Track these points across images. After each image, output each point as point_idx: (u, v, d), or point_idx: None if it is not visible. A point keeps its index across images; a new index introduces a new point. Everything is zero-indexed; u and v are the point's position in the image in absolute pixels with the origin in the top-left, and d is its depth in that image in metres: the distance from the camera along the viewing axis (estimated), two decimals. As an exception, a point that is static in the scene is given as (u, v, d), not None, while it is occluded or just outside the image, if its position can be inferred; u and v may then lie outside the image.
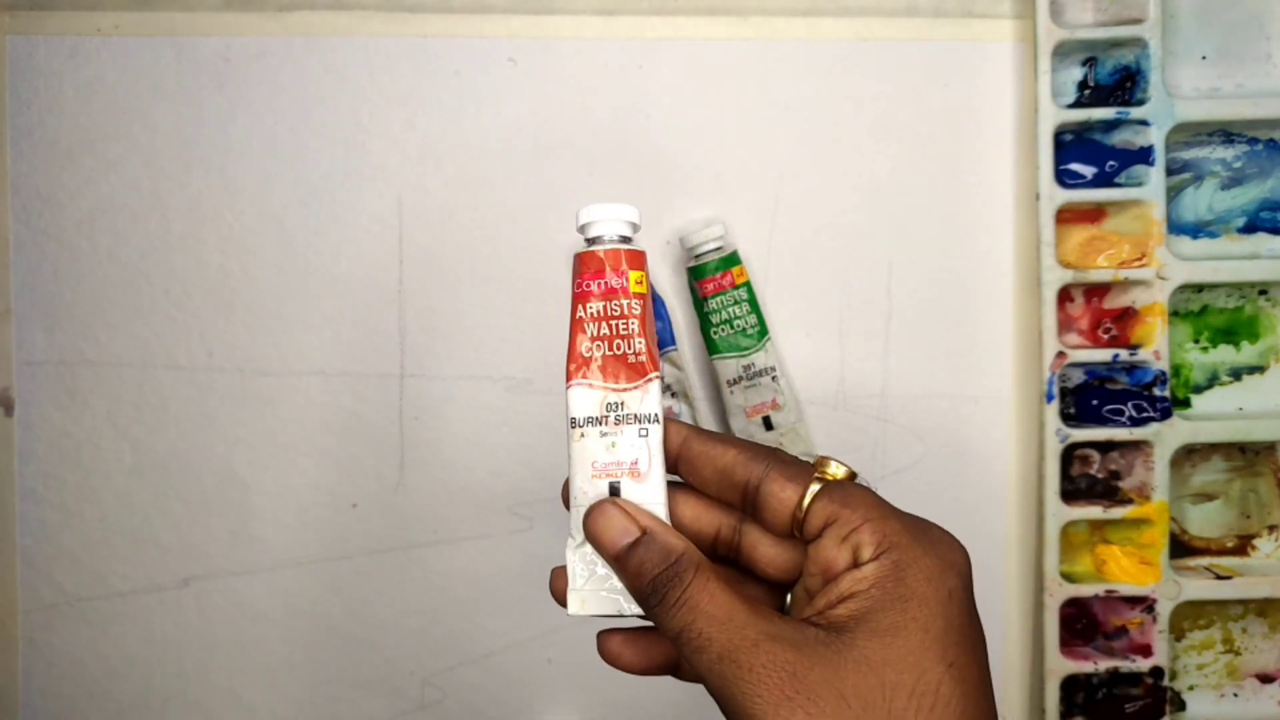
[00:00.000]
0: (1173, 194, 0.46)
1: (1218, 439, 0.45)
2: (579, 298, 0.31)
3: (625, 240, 0.32)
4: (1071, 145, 0.46)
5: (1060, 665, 0.45)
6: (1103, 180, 0.46)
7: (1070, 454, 0.46)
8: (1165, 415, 0.45)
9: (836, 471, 0.29)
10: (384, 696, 0.47)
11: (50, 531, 0.46)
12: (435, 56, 0.46)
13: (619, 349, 0.31)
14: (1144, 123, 0.45)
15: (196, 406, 0.46)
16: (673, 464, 0.31)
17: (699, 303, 0.45)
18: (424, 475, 0.47)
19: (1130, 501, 0.45)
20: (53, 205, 0.46)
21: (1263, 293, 0.47)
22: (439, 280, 0.46)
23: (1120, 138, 0.45)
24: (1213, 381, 0.47)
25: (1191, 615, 0.47)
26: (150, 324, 0.46)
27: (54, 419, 0.46)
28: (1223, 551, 0.47)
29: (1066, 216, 0.45)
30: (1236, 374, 0.47)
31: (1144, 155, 0.45)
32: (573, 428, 0.30)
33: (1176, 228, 0.47)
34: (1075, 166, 0.46)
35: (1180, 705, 0.47)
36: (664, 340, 0.45)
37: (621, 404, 0.30)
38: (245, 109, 0.46)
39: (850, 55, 0.46)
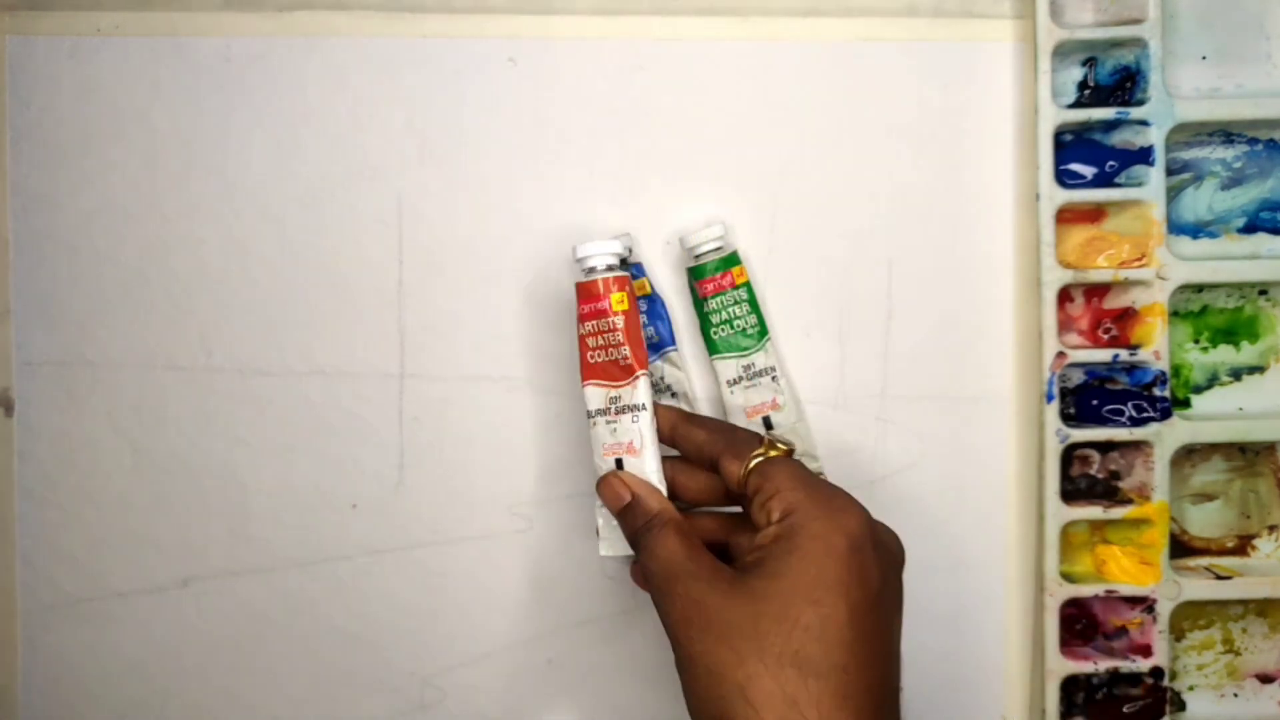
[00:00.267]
0: (1173, 194, 0.47)
1: (1218, 439, 0.45)
2: (581, 319, 0.41)
3: (610, 269, 0.41)
4: (1071, 145, 0.46)
5: (1060, 665, 0.45)
6: (1103, 180, 0.46)
7: (1070, 454, 0.46)
8: (1165, 415, 0.45)
9: (773, 451, 0.38)
10: (384, 696, 0.47)
11: (50, 531, 0.46)
12: (435, 56, 0.46)
13: (612, 355, 0.41)
14: (1144, 123, 0.45)
15: (196, 407, 0.46)
16: (669, 443, 0.41)
17: (699, 303, 0.45)
18: (424, 475, 0.47)
19: (1130, 501, 0.45)
20: (53, 205, 0.46)
21: (1263, 293, 0.47)
22: (439, 280, 0.46)
23: (1120, 138, 0.45)
24: (1213, 381, 0.47)
25: (1191, 615, 0.47)
26: (150, 324, 0.46)
27: (54, 419, 0.46)
28: (1223, 551, 0.47)
29: (1066, 216, 0.45)
30: (1236, 374, 0.47)
31: (1144, 155, 0.45)
32: (589, 419, 0.41)
33: (1176, 228, 0.47)
34: (1075, 166, 0.46)
35: (1180, 705, 0.47)
36: (664, 340, 0.45)
37: (619, 398, 0.41)
38: (245, 109, 0.46)
39: (850, 55, 0.46)
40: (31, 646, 0.47)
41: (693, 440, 0.40)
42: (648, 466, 0.40)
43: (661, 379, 0.45)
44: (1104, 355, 0.45)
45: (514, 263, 0.46)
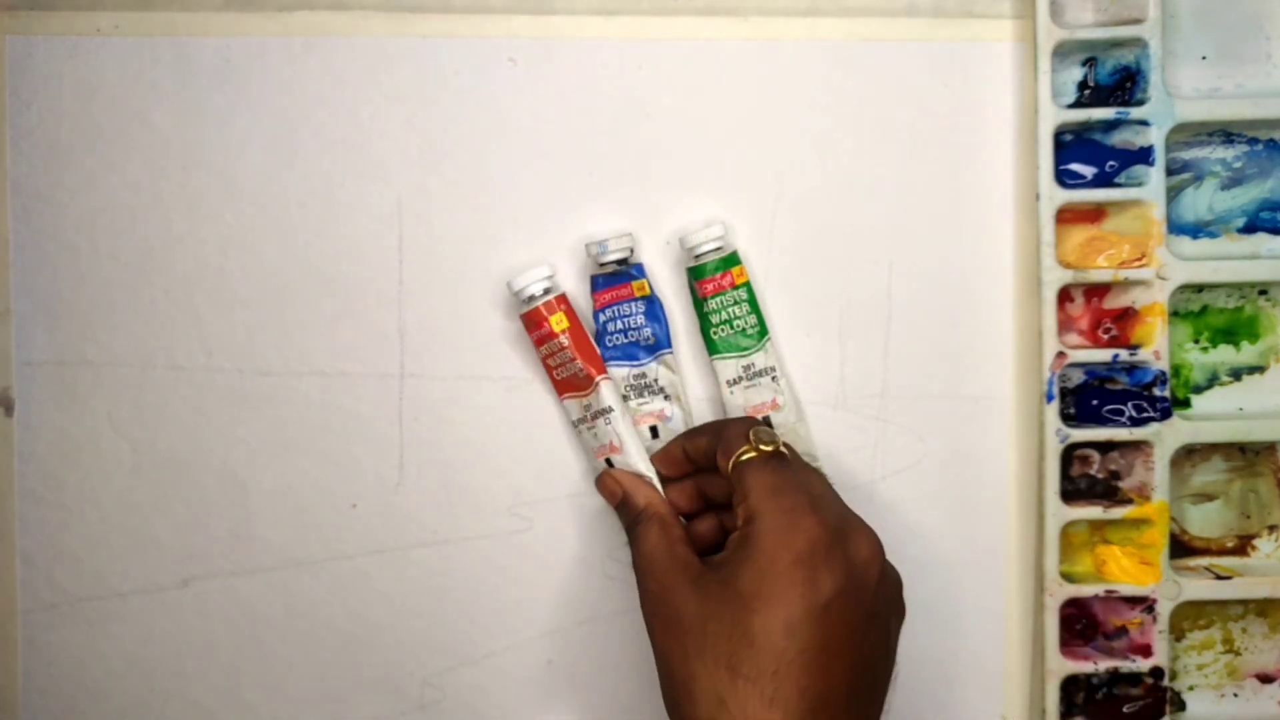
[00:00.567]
0: (1173, 194, 0.46)
1: (1218, 439, 0.45)
2: (536, 345, 0.45)
3: (547, 292, 0.44)
4: (1071, 145, 0.46)
5: (1060, 665, 0.45)
6: (1103, 180, 0.46)
7: (1070, 454, 0.46)
8: (1165, 415, 0.45)
9: (750, 452, 0.39)
10: (384, 696, 0.47)
11: (50, 531, 0.46)
12: (435, 56, 0.46)
13: (570, 370, 0.44)
14: (1144, 123, 0.45)
15: (196, 406, 0.46)
16: (688, 466, 0.43)
17: (699, 303, 0.45)
18: (424, 475, 0.47)
19: (1130, 501, 0.45)
20: (53, 205, 0.46)
21: (1263, 293, 0.47)
22: (439, 280, 0.46)
23: (1120, 138, 0.45)
24: (1213, 381, 0.47)
25: (1191, 615, 0.47)
26: (150, 324, 0.46)
27: (54, 419, 0.46)
28: (1223, 551, 0.47)
29: (1066, 217, 0.45)
30: (1236, 374, 0.47)
31: (1144, 155, 0.45)
32: (574, 428, 0.45)
33: (1176, 228, 0.47)
34: (1075, 167, 0.46)
35: (1180, 705, 0.47)
36: (660, 342, 0.45)
37: (590, 405, 0.44)
38: (245, 109, 0.46)
39: (850, 55, 0.46)
40: (31, 646, 0.47)
41: (697, 449, 0.42)
42: (633, 459, 0.43)
43: (655, 381, 0.45)
44: (1104, 355, 0.45)
45: (514, 263, 0.46)
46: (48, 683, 0.47)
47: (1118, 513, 0.45)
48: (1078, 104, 0.46)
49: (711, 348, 0.45)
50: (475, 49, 0.46)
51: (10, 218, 0.46)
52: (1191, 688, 0.47)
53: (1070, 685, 0.45)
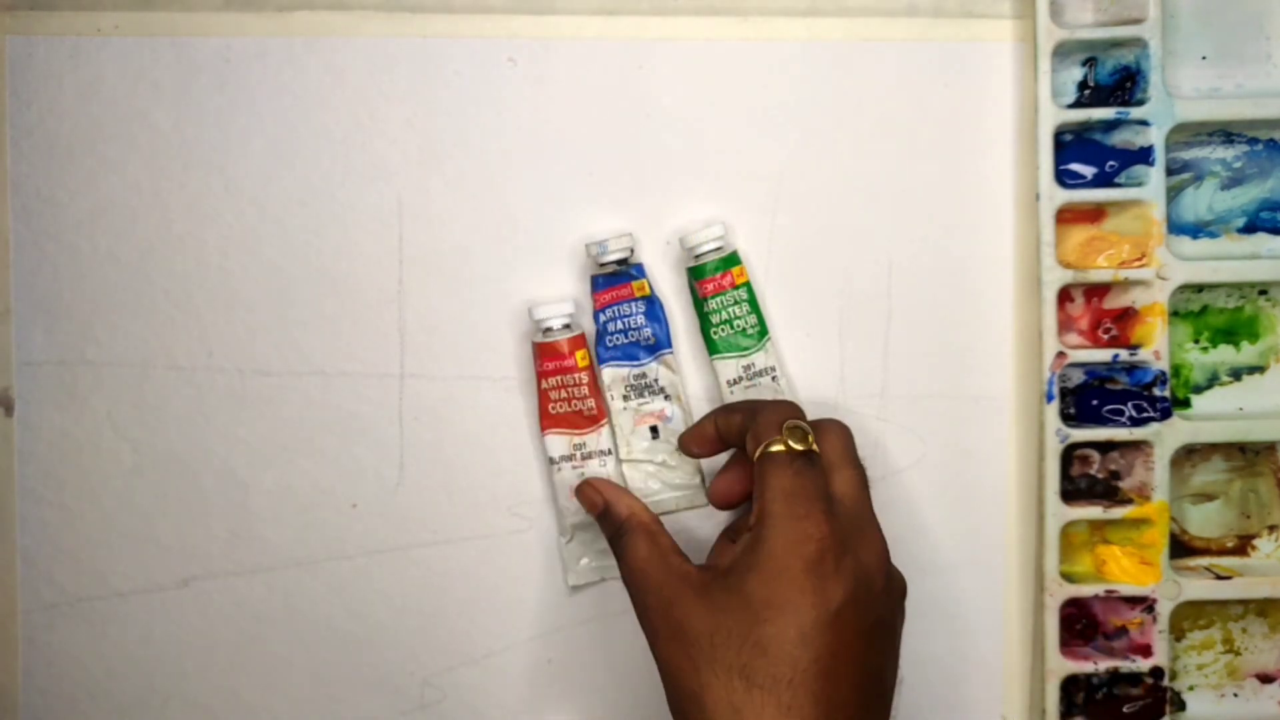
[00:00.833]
0: (1173, 194, 0.46)
1: (1218, 439, 0.45)
2: (542, 374, 0.44)
3: (566, 327, 0.44)
4: (1071, 145, 0.46)
5: (1060, 665, 0.45)
6: (1103, 180, 0.46)
7: (1070, 454, 0.46)
8: (1165, 415, 0.45)
9: (773, 446, 0.37)
10: (384, 696, 0.47)
11: (50, 531, 0.46)
12: (435, 56, 0.46)
13: (575, 406, 0.44)
14: (1144, 123, 0.45)
15: (196, 406, 0.46)
16: (720, 444, 0.42)
17: (699, 303, 0.45)
18: (424, 475, 0.47)
19: (1130, 501, 0.45)
20: (53, 205, 0.46)
21: (1263, 293, 0.47)
22: (439, 280, 0.46)
23: (1120, 138, 0.45)
24: (1213, 381, 0.47)
25: (1191, 615, 0.47)
26: (150, 324, 0.46)
27: (54, 419, 0.46)
28: (1223, 551, 0.47)
29: (1066, 216, 0.45)
30: (1236, 374, 0.47)
31: (1144, 155, 0.45)
32: (551, 464, 0.45)
33: (1176, 228, 0.47)
34: (1075, 166, 0.46)
35: (1180, 705, 0.47)
36: (660, 343, 0.45)
37: (584, 444, 0.45)
38: (245, 109, 0.46)
39: (850, 55, 0.46)
40: (31, 646, 0.47)
41: (730, 427, 0.41)
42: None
43: (655, 381, 0.45)
44: (1104, 355, 0.45)
45: (514, 263, 0.46)
46: (48, 683, 0.47)
47: (1118, 513, 0.45)
48: (1078, 104, 0.46)
49: (711, 348, 0.45)
50: (475, 49, 0.46)
51: (10, 218, 0.46)
52: (1191, 688, 0.47)
53: (1070, 685, 0.45)
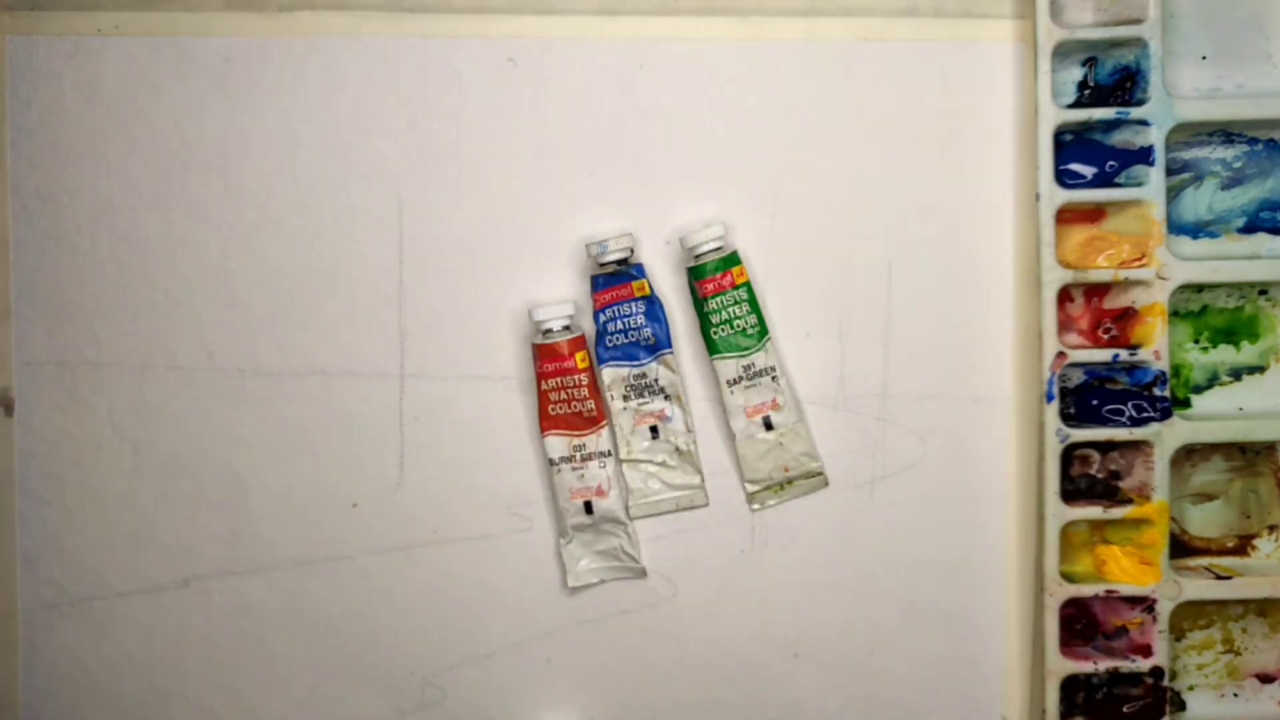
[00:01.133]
0: (1173, 194, 0.46)
1: (1218, 439, 0.45)
2: (542, 375, 0.44)
3: (566, 329, 0.44)
4: (1071, 145, 0.46)
5: (1060, 665, 0.45)
6: (1103, 180, 0.46)
7: (1070, 454, 0.46)
8: (1165, 415, 0.45)
9: None
10: (384, 696, 0.47)
11: (50, 531, 0.46)
12: (435, 56, 0.46)
13: (575, 408, 0.44)
14: (1144, 123, 0.45)
15: (197, 407, 0.46)
16: None
17: (699, 303, 0.45)
18: (424, 475, 0.47)
19: (1130, 501, 0.45)
20: (53, 205, 0.46)
21: (1263, 293, 0.47)
22: (439, 280, 0.46)
23: (1120, 138, 0.45)
24: (1213, 381, 0.47)
25: (1191, 615, 0.47)
26: (151, 324, 0.46)
27: (54, 419, 0.46)
28: (1223, 551, 0.47)
29: (1066, 216, 0.45)
30: (1236, 374, 0.47)
31: (1144, 155, 0.45)
32: (551, 466, 0.44)
33: (1176, 228, 0.47)
34: (1075, 166, 0.46)
35: (1180, 705, 0.47)
36: (660, 343, 0.45)
37: (583, 445, 0.44)
38: (245, 109, 0.46)
39: (850, 55, 0.46)
40: (31, 646, 0.47)
41: None
42: (615, 508, 0.44)
43: (655, 381, 0.45)
44: (1104, 355, 0.45)
45: (513, 263, 0.46)
46: (48, 683, 0.47)
47: (1118, 513, 0.45)
48: (1078, 104, 0.46)
49: (712, 348, 0.45)
50: (475, 49, 0.46)
51: (10, 218, 0.46)
52: (1191, 688, 0.47)
53: (1070, 685, 0.45)
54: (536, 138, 0.46)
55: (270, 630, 0.47)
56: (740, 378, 0.45)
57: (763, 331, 0.45)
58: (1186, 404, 0.47)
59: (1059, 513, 0.45)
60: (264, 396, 0.46)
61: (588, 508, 0.44)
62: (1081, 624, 0.46)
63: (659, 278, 0.46)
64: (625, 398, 0.45)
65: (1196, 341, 0.47)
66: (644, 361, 0.45)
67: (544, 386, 0.45)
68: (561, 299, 0.45)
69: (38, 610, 0.47)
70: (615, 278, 0.45)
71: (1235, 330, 0.47)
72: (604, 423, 0.45)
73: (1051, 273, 0.45)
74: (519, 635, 0.47)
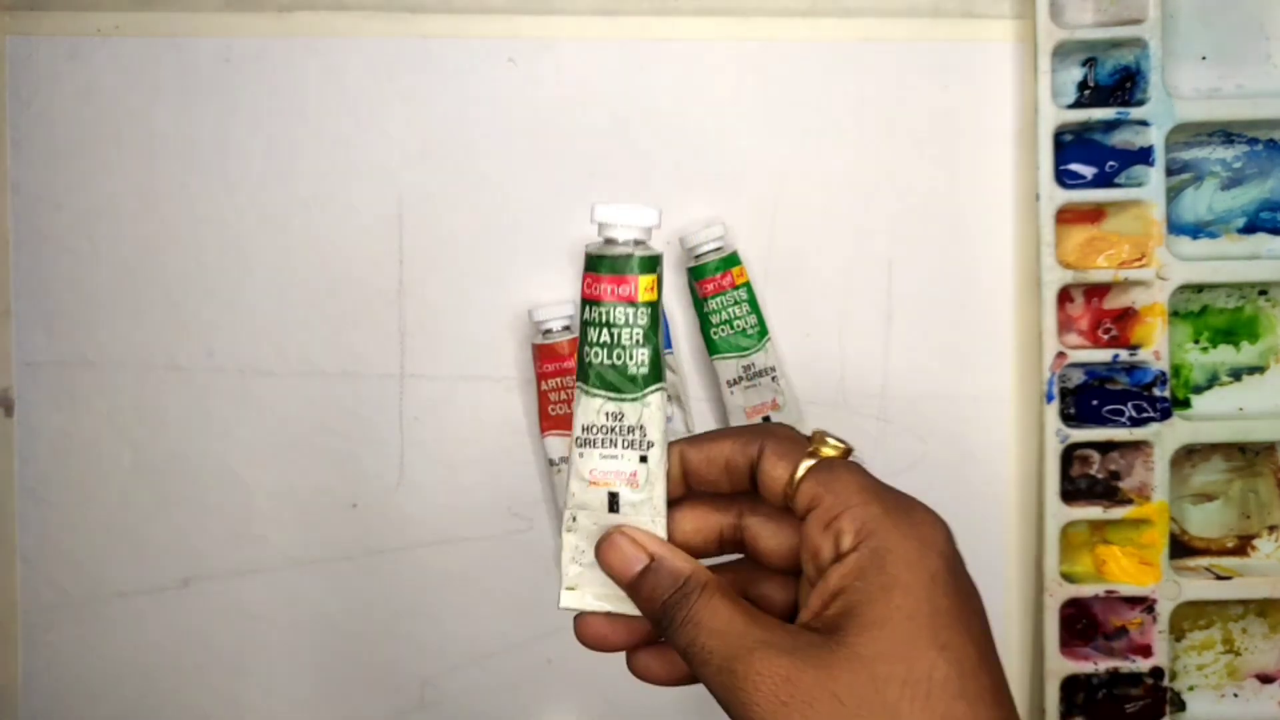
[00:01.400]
0: (1173, 194, 0.46)
1: (1218, 439, 0.45)
2: (542, 376, 0.44)
3: (567, 329, 0.44)
4: (1071, 145, 0.46)
5: (1060, 665, 0.45)
6: (1103, 180, 0.46)
7: (1070, 454, 0.46)
8: (1165, 415, 0.45)
9: (828, 449, 0.29)
10: (384, 696, 0.47)
11: (50, 531, 0.46)
12: (435, 56, 0.46)
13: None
14: (1144, 123, 0.45)
15: (196, 407, 0.46)
16: (680, 484, 0.31)
17: (699, 303, 0.45)
18: (424, 475, 0.47)
19: (1130, 502, 0.45)
20: (53, 205, 0.46)
21: (1263, 293, 0.47)
22: (439, 280, 0.46)
23: (1120, 138, 0.45)
24: (1213, 382, 0.47)
25: (1191, 615, 0.47)
26: (150, 324, 0.46)
27: (54, 420, 0.46)
28: (1223, 552, 0.47)
29: (1066, 217, 0.45)
30: (1236, 374, 0.47)
31: (1144, 155, 0.45)
32: (550, 466, 0.43)
33: (1176, 228, 0.47)
34: (1075, 167, 0.46)
35: (1180, 705, 0.47)
36: (663, 341, 0.45)
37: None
38: (245, 109, 0.46)
39: (850, 55, 0.46)
40: (31, 646, 0.47)
41: (717, 455, 0.30)
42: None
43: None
44: (1104, 355, 0.45)
45: (513, 263, 0.46)
46: (48, 683, 0.47)
47: (1118, 513, 0.45)
48: (1078, 104, 0.46)
49: (712, 348, 0.45)
50: (475, 49, 0.46)
51: (10, 218, 0.46)
52: (1191, 688, 0.47)
53: (1070, 685, 0.45)
54: (536, 138, 0.46)
55: (270, 630, 0.47)
56: (740, 378, 0.45)
57: (763, 331, 0.45)
58: (1186, 404, 0.47)
59: (1059, 513, 0.45)
60: (264, 396, 0.46)
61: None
62: (1081, 624, 0.46)
63: (659, 278, 0.46)
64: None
65: (1196, 342, 0.47)
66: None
67: (544, 387, 0.44)
68: (561, 299, 0.45)
69: (37, 610, 0.47)
70: (615, 278, 0.45)
71: (1235, 330, 0.47)
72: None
73: (1051, 273, 0.45)
74: (519, 635, 0.47)
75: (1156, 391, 0.45)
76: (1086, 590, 0.45)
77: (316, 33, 0.46)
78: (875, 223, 0.46)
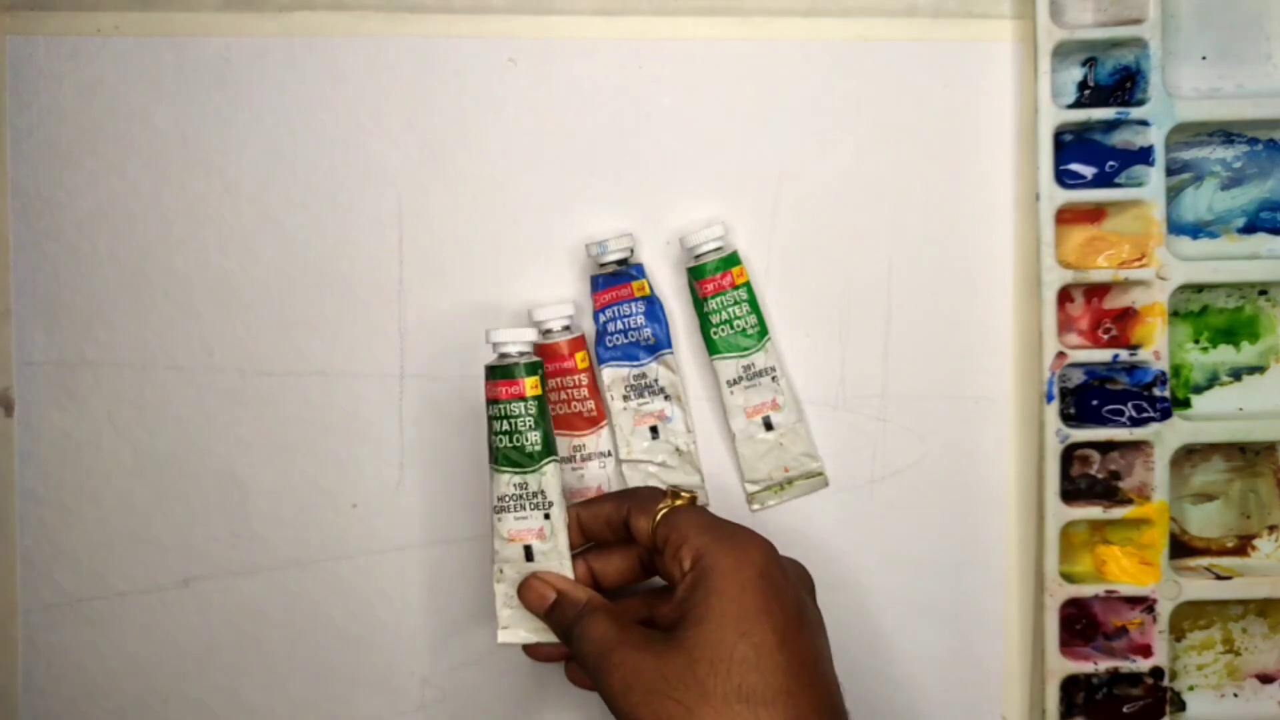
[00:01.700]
0: (1173, 194, 0.47)
1: (1218, 439, 0.45)
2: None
3: (567, 329, 0.44)
4: (1071, 145, 0.46)
5: (1060, 665, 0.45)
6: (1103, 180, 0.46)
7: (1070, 454, 0.46)
8: (1165, 415, 0.45)
9: (678, 501, 0.38)
10: (384, 696, 0.47)
11: (50, 531, 0.46)
12: (435, 56, 0.46)
13: (578, 408, 0.45)
14: (1144, 123, 0.45)
15: (196, 407, 0.46)
16: (581, 537, 0.41)
17: (699, 303, 0.45)
18: (424, 475, 0.47)
19: (1130, 502, 0.45)
20: (53, 206, 0.46)
21: (1263, 293, 0.47)
22: (439, 280, 0.46)
23: (1120, 138, 0.45)
24: (1213, 382, 0.47)
25: (1191, 615, 0.47)
26: (150, 324, 0.46)
27: (54, 419, 0.46)
28: (1223, 552, 0.47)
29: (1066, 217, 0.45)
30: (1236, 374, 0.47)
31: (1144, 155, 0.45)
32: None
33: (1176, 228, 0.47)
34: (1075, 167, 0.46)
35: (1180, 705, 0.47)
36: (660, 343, 0.45)
37: (583, 446, 0.45)
38: (245, 109, 0.46)
39: (850, 55, 0.46)
40: (31, 646, 0.47)
41: (600, 514, 0.40)
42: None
43: (655, 381, 0.45)
44: (1104, 355, 0.45)
45: (513, 263, 0.46)
46: (48, 683, 0.47)
47: (1118, 513, 0.45)
48: (1078, 104, 0.46)
49: (712, 348, 0.45)
50: (475, 49, 0.46)
51: (10, 218, 0.46)
52: (1191, 688, 0.47)
53: (1070, 685, 0.45)
54: (536, 138, 0.46)
55: (270, 630, 0.47)
56: (740, 378, 0.45)
57: (763, 331, 0.45)
58: (1186, 404, 0.47)
59: (1059, 513, 0.45)
60: (264, 396, 0.46)
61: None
62: (1081, 624, 0.46)
63: (659, 278, 0.46)
64: (625, 398, 0.45)
65: (1196, 342, 0.47)
66: (644, 362, 0.45)
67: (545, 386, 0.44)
68: (561, 299, 0.45)
69: (37, 610, 0.47)
70: (615, 278, 0.45)
71: (1235, 330, 0.47)
72: (604, 423, 0.45)
73: (1051, 273, 0.45)
74: (519, 635, 0.47)
75: (1156, 391, 0.45)
76: (1086, 590, 0.45)
77: (316, 33, 0.46)
78: (875, 223, 0.47)
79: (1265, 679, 0.47)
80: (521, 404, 0.39)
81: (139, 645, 0.47)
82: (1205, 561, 0.47)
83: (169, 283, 0.46)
